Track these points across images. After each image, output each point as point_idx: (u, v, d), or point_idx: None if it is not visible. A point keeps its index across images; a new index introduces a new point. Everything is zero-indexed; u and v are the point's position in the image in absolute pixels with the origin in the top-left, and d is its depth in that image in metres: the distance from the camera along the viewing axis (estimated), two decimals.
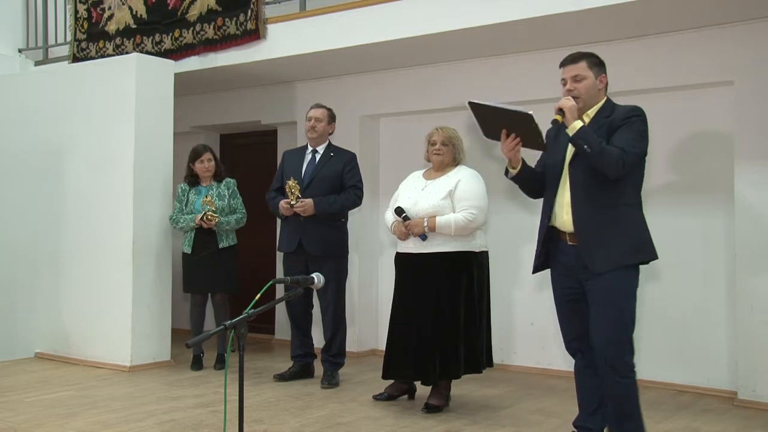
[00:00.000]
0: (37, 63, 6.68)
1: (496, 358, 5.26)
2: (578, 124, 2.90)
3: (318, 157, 4.76)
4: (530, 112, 2.88)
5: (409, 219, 3.98)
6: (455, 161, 4.14)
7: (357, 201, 4.70)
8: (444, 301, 3.95)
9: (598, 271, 2.93)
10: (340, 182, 4.69)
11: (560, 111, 2.92)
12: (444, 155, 4.10)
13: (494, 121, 3.01)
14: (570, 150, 3.03)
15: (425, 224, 3.93)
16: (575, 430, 3.19)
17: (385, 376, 4.21)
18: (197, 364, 5.21)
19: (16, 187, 5.82)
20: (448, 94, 5.45)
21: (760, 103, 4.31)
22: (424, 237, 3.96)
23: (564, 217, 3.03)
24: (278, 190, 4.81)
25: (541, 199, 3.20)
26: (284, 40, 5.23)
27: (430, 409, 4.03)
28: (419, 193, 4.07)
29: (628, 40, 4.55)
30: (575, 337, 3.14)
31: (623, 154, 2.86)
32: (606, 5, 4.03)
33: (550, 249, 3.12)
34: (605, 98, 3.09)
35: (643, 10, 4.14)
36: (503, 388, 4.71)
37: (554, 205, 3.08)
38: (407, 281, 4.09)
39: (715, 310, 4.59)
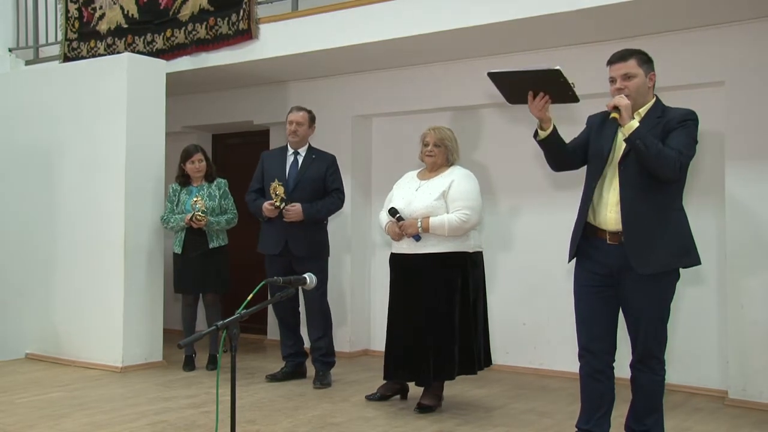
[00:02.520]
0: (28, 62, 6.64)
1: None
2: (635, 123, 2.84)
3: (300, 159, 4.77)
4: (557, 67, 2.80)
5: (403, 219, 3.98)
6: (448, 162, 4.14)
7: (340, 205, 4.77)
8: (438, 301, 3.95)
9: (645, 272, 2.89)
10: (323, 185, 4.72)
11: (616, 109, 2.85)
12: (436, 156, 4.10)
13: (518, 85, 2.94)
14: (620, 147, 2.97)
15: (419, 225, 3.93)
16: (577, 430, 3.17)
17: (386, 377, 4.20)
18: (189, 364, 5.20)
19: (6, 186, 5.80)
20: (440, 94, 5.46)
21: (751, 103, 4.33)
22: (417, 238, 3.96)
23: (608, 215, 2.97)
24: (258, 191, 4.80)
25: (556, 174, 3.10)
26: (276, 40, 5.23)
27: (422, 409, 4.04)
28: (413, 193, 4.07)
29: (619, 40, 4.53)
30: (591, 337, 3.06)
31: (680, 157, 2.83)
32: (598, 6, 4.05)
33: (581, 244, 3.06)
34: (654, 97, 3.02)
35: (634, 11, 4.15)
36: (495, 388, 4.72)
37: (595, 203, 3.01)
38: (402, 282, 4.09)
39: (706, 309, 4.61)
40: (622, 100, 2.86)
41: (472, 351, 4.00)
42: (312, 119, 4.83)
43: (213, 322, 5.06)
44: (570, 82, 2.85)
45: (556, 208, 5.00)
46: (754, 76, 4.32)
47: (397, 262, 4.13)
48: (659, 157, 2.80)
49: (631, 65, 2.94)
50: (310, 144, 4.85)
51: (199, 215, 4.97)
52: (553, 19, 4.27)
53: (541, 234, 5.18)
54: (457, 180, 4.01)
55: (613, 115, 2.85)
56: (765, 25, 4.27)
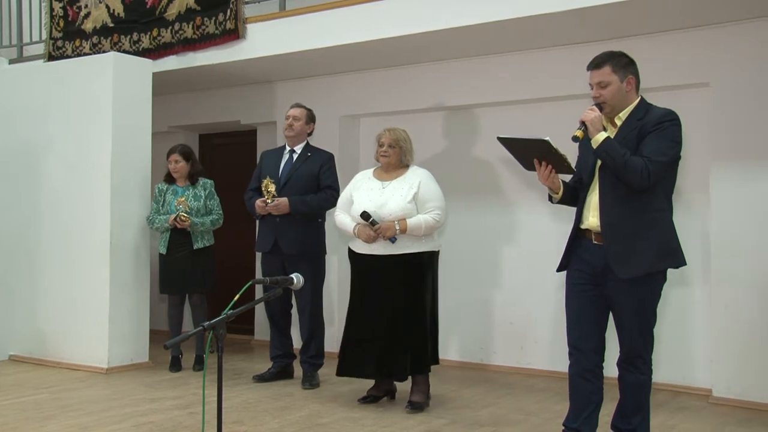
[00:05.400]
0: (12, 61, 6.56)
1: (476, 357, 5.42)
2: (601, 136, 2.89)
3: (295, 156, 4.76)
4: (546, 138, 2.89)
5: (377, 223, 4.00)
6: (402, 163, 4.18)
7: (333, 201, 4.67)
8: (414, 300, 4.03)
9: (626, 276, 2.91)
10: (317, 182, 4.69)
11: (583, 124, 2.92)
12: (390, 157, 4.15)
13: (524, 152, 3.06)
14: None
15: (397, 227, 3.97)
16: (565, 429, 3.19)
17: (340, 373, 4.21)
18: (176, 365, 5.18)
19: None
20: (428, 94, 5.46)
21: (736, 104, 4.36)
22: (394, 239, 4.01)
23: (590, 219, 3.03)
24: (255, 190, 4.79)
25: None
26: (264, 39, 5.21)
27: (414, 406, 4.06)
28: (380, 195, 4.10)
29: (604, 41, 4.56)
30: (580, 335, 3.09)
31: (648, 165, 2.83)
32: (581, 8, 4.06)
33: (575, 247, 3.11)
34: (638, 98, 3.02)
35: (619, 13, 4.17)
36: (482, 388, 4.72)
37: (584, 207, 3.07)
38: (376, 282, 4.10)
39: (691, 309, 4.64)
40: (589, 114, 2.91)
41: (436, 344, 4.20)
42: (310, 117, 4.81)
43: (199, 322, 4.98)
44: (561, 153, 2.93)
45: (548, 208, 4.99)
46: (739, 77, 4.35)
47: (368, 262, 4.13)
48: (626, 168, 2.83)
49: (605, 72, 2.96)
50: (308, 142, 4.82)
51: (183, 216, 4.96)
52: (539, 20, 4.29)
53: (531, 234, 5.20)
54: (425, 181, 4.10)
55: (576, 133, 2.91)
56: (749, 27, 4.31)
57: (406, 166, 4.21)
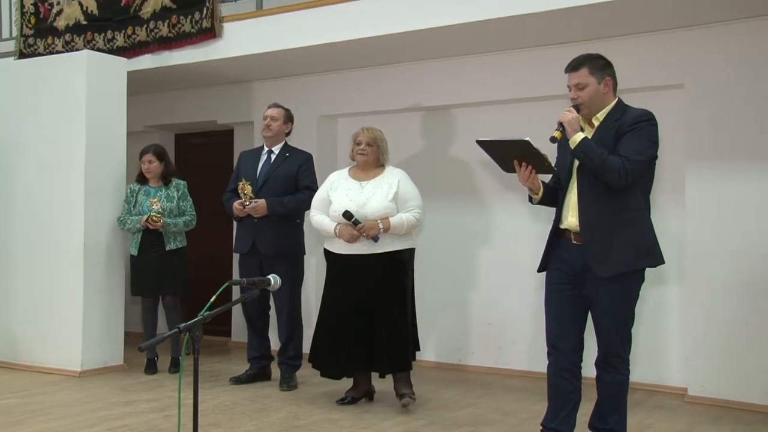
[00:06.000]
0: None
1: (453, 358, 5.42)
2: (579, 136, 2.93)
3: (273, 157, 4.74)
4: (526, 138, 2.90)
5: (359, 222, 4.00)
6: (378, 162, 4.21)
7: (311, 202, 4.65)
8: (396, 297, 4.07)
9: (604, 275, 2.94)
10: (295, 183, 4.67)
11: (560, 125, 2.96)
12: (368, 155, 4.16)
13: (504, 154, 3.07)
14: None
15: (380, 226, 3.98)
16: (543, 429, 3.20)
17: (314, 364, 4.20)
18: (151, 367, 5.12)
19: None
20: (406, 94, 5.46)
21: (710, 105, 4.40)
22: (376, 239, 4.03)
23: (569, 219, 3.05)
24: (233, 191, 4.76)
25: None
26: (240, 38, 5.18)
27: (406, 395, 4.07)
28: (359, 194, 4.10)
29: (579, 42, 4.56)
30: (559, 335, 3.11)
31: (625, 164, 2.87)
32: (558, 8, 4.09)
33: (554, 247, 3.13)
34: (616, 99, 3.06)
35: (593, 14, 4.20)
36: (460, 389, 4.72)
37: (563, 208, 3.09)
38: (356, 282, 4.09)
39: (667, 308, 4.68)
40: (567, 115, 2.96)
41: (416, 341, 4.25)
42: (288, 117, 4.80)
43: (173, 324, 4.99)
44: (542, 153, 2.94)
45: (526, 209, 4.99)
46: (713, 78, 4.39)
47: (348, 262, 4.12)
48: (604, 167, 2.87)
49: (583, 74, 3.00)
50: (286, 142, 4.81)
51: (155, 216, 4.91)
52: (515, 21, 4.32)
53: (510, 234, 5.21)
54: (403, 181, 4.15)
55: (554, 134, 2.95)
56: (724, 29, 4.35)
57: (382, 166, 4.23)
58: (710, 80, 4.40)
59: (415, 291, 4.29)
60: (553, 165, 3.06)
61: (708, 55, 4.41)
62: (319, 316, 4.27)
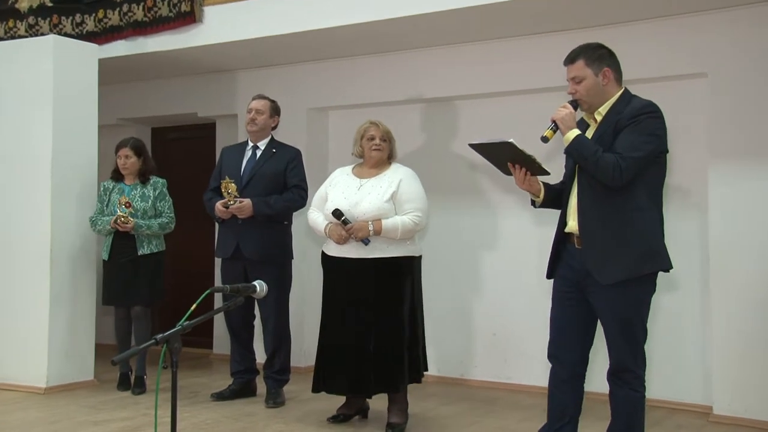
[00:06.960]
0: None
1: (455, 372, 5.27)
2: (572, 134, 2.87)
3: (259, 153, 4.61)
4: (509, 140, 2.86)
5: (349, 222, 3.81)
6: (390, 158, 4.08)
7: (301, 202, 4.55)
8: (388, 309, 3.85)
9: (605, 282, 2.86)
10: (283, 181, 4.53)
11: (553, 123, 2.91)
12: (384, 151, 4.02)
13: (496, 156, 3.05)
14: None
15: (370, 228, 3.78)
16: None
17: (316, 390, 4.04)
18: (124, 383, 4.88)
19: None
20: (403, 85, 5.35)
21: (736, 96, 4.22)
22: (367, 241, 3.82)
23: (571, 223, 2.99)
24: (215, 190, 4.60)
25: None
26: (223, 24, 5.08)
27: (393, 428, 3.86)
28: (356, 192, 3.92)
29: (597, 28, 4.45)
30: (561, 345, 3.05)
31: (620, 161, 2.78)
32: None
33: (561, 252, 3.07)
34: (621, 90, 2.97)
35: None
36: (463, 405, 4.56)
37: (566, 211, 3.04)
38: (346, 288, 3.92)
39: (687, 317, 4.49)
40: (560, 112, 2.91)
41: (418, 358, 3.99)
42: (275, 109, 4.68)
43: (141, 337, 4.76)
44: (528, 154, 2.90)
45: (534, 210, 4.79)
46: (739, 66, 4.20)
47: (339, 266, 3.95)
48: (597, 166, 2.82)
49: (579, 67, 2.94)
50: (272, 137, 4.68)
51: (123, 217, 4.64)
52: (520, 5, 4.20)
53: (515, 237, 5.05)
54: (406, 180, 3.94)
55: (545, 134, 2.91)
56: (749, 12, 4.15)
57: (389, 163, 4.06)
58: (736, 69, 4.22)
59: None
60: (543, 166, 2.98)
61: (733, 41, 4.22)
62: (320, 326, 4.07)
